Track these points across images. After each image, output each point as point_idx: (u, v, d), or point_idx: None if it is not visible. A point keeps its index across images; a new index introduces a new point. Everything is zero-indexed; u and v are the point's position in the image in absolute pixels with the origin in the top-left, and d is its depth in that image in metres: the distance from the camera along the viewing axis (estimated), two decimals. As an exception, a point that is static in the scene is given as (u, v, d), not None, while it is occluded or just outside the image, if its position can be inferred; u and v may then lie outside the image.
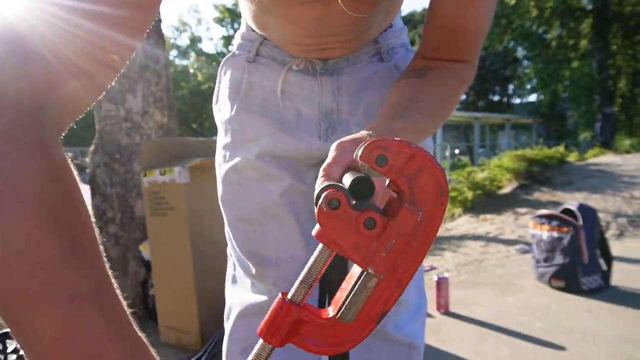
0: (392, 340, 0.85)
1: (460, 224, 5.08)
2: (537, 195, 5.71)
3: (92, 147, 2.85)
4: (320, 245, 0.38)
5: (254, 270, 0.79)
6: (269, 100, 0.79)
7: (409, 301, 0.89)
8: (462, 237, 4.38)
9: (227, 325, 0.87)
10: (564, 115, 24.74)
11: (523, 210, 5.10)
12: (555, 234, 2.68)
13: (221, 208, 0.86)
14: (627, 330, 2.08)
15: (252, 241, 0.80)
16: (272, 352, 0.39)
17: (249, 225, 0.80)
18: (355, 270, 0.39)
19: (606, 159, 7.71)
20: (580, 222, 2.62)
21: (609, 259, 2.69)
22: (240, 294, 0.85)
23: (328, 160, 0.47)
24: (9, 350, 1.10)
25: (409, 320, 0.89)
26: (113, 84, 0.44)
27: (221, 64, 0.86)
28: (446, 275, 2.43)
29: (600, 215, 4.52)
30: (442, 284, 2.37)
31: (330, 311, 0.39)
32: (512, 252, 3.67)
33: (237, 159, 0.79)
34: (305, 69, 0.76)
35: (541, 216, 2.81)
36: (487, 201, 5.64)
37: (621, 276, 2.74)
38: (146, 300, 2.62)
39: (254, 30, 0.79)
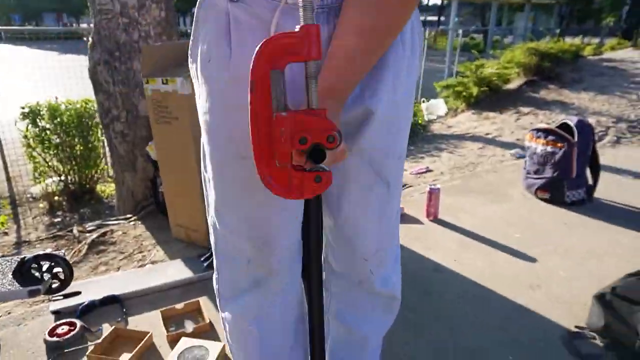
0: (378, 295, 0.99)
1: (461, 120, 5.12)
2: (543, 93, 5.63)
3: (89, 42, 2.78)
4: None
5: (256, 248, 0.87)
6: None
7: (394, 250, 1.01)
8: (462, 137, 4.46)
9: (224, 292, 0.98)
10: (592, -8, 22.84)
11: (526, 109, 5.09)
12: (549, 149, 2.75)
13: (211, 177, 0.86)
14: (595, 244, 2.28)
15: (257, 218, 0.84)
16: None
17: (253, 201, 0.82)
18: None
19: (623, 53, 7.39)
20: (576, 138, 2.67)
21: (596, 174, 2.80)
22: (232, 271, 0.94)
23: None
24: (43, 269, 1.26)
25: (392, 271, 1.02)
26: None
27: (196, 8, 0.79)
28: (438, 186, 2.57)
29: (602, 118, 4.55)
30: (433, 194, 2.53)
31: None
32: (507, 157, 3.78)
33: (236, 129, 0.76)
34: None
35: (538, 130, 2.85)
36: (491, 97, 5.59)
37: (605, 188, 2.89)
38: (156, 195, 2.80)
39: None
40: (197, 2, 0.78)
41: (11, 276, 1.22)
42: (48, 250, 1.22)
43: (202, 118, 0.83)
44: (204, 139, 0.85)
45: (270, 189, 0.63)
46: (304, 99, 0.62)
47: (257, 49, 0.58)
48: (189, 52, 0.82)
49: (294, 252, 0.92)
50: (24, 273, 1.22)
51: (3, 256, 2.74)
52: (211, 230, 0.94)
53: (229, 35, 0.72)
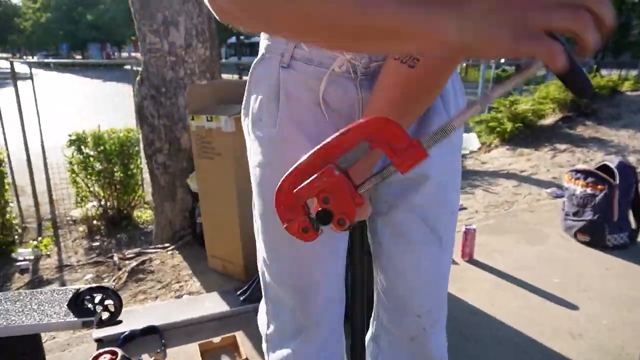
0: (429, 355, 0.98)
1: (495, 156, 5.07)
2: (580, 129, 5.53)
3: (138, 78, 2.94)
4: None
5: (299, 297, 0.90)
6: (308, 114, 0.78)
7: (442, 310, 0.99)
8: (496, 174, 4.41)
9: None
10: (629, 24, 22.52)
11: (562, 146, 5.01)
12: (589, 191, 2.70)
13: (260, 226, 0.90)
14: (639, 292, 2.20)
15: (301, 267, 0.87)
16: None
17: (297, 252, 0.85)
18: None
19: (663, 90, 7.22)
20: (617, 181, 2.62)
21: (639, 217, 2.72)
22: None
23: None
24: (96, 302, 1.33)
25: (441, 330, 1.00)
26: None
27: (251, 69, 0.85)
28: (474, 226, 2.55)
29: (643, 158, 4.41)
30: (468, 235, 2.51)
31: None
32: (544, 196, 3.72)
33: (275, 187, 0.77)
34: (347, 71, 0.74)
35: (577, 171, 2.80)
36: (526, 133, 5.53)
37: (649, 233, 2.80)
38: (194, 226, 2.88)
39: None
40: (253, 64, 0.84)
41: (66, 307, 1.28)
42: (106, 284, 1.29)
43: (252, 171, 0.88)
44: (253, 190, 0.90)
45: (285, 223, 0.63)
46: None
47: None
48: (242, 107, 0.88)
49: (334, 303, 0.94)
50: (78, 304, 1.29)
51: (44, 281, 2.86)
52: (261, 278, 0.98)
53: (278, 98, 0.78)
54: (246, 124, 0.87)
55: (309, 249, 0.83)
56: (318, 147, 0.57)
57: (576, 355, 1.75)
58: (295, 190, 0.59)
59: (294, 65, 0.76)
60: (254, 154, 0.85)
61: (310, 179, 0.57)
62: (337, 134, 0.55)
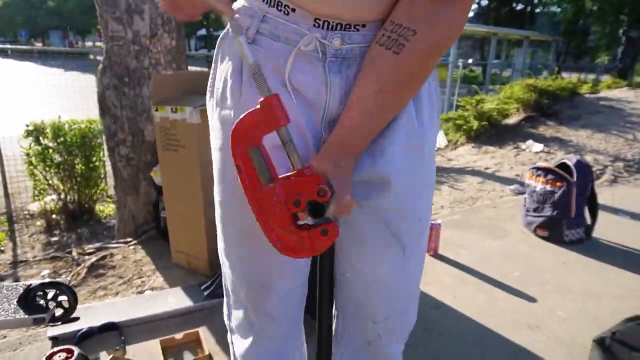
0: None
1: (461, 154, 5.18)
2: (542, 129, 5.72)
3: (100, 67, 2.83)
4: None
5: (253, 292, 0.86)
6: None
7: (404, 320, 0.95)
8: (461, 170, 4.50)
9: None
10: (587, 30, 23.47)
11: (525, 145, 5.16)
12: (548, 187, 2.79)
13: (219, 215, 0.86)
14: (593, 285, 2.29)
15: (258, 261, 0.83)
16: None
17: (256, 244, 0.80)
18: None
19: (619, 93, 7.56)
20: (575, 178, 2.72)
21: (594, 213, 2.84)
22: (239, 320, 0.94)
23: None
24: (49, 298, 1.26)
25: (398, 340, 0.97)
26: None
27: (217, 45, 0.80)
28: (439, 221, 2.59)
29: (599, 157, 4.62)
30: (433, 230, 2.55)
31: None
32: (507, 192, 3.82)
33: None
34: (315, 51, 0.70)
35: (538, 168, 2.89)
36: (491, 131, 5.67)
37: (604, 228, 2.92)
38: (158, 220, 2.81)
39: None
40: (218, 39, 0.80)
41: (16, 303, 1.22)
42: (60, 279, 1.22)
43: (213, 154, 0.83)
44: (214, 175, 0.84)
45: (286, 254, 0.65)
46: (288, 163, 0.64)
47: (230, 134, 0.62)
48: (208, 87, 0.83)
49: (293, 299, 0.91)
50: (29, 301, 1.22)
51: None
52: (222, 268, 0.95)
53: (241, 77, 0.74)
54: (211, 104, 0.82)
55: (267, 241, 0.82)
56: (247, 198, 0.64)
57: (534, 345, 1.81)
58: (280, 230, 0.64)
59: (259, 41, 0.71)
60: (215, 137, 0.81)
61: (275, 212, 0.63)
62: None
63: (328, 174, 0.65)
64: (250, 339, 0.92)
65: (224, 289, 0.97)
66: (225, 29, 0.77)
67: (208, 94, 0.83)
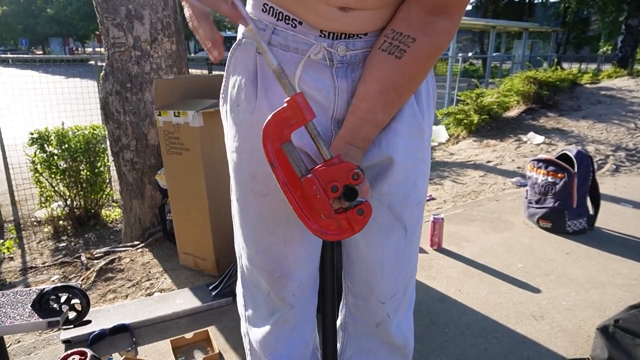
0: (393, 341, 1.02)
1: (463, 148, 5.19)
2: (542, 120, 5.72)
3: (102, 73, 2.87)
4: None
5: (273, 279, 0.92)
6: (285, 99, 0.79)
7: (409, 297, 1.03)
8: (463, 164, 4.52)
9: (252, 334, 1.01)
10: (588, 20, 23.35)
11: (526, 137, 5.17)
12: (549, 179, 2.81)
13: (236, 211, 0.91)
14: (597, 274, 2.31)
15: (275, 251, 0.89)
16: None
17: (272, 236, 0.87)
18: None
19: (620, 82, 7.53)
20: (576, 169, 2.73)
21: (597, 204, 2.86)
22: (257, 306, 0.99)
23: None
24: (62, 301, 1.30)
25: (406, 319, 1.04)
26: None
27: (229, 54, 0.86)
28: (442, 216, 2.61)
29: (601, 147, 4.62)
30: (437, 224, 2.57)
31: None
32: (509, 185, 3.84)
33: (259, 168, 0.81)
34: (323, 59, 0.76)
35: (539, 160, 2.91)
36: (491, 125, 5.68)
37: (606, 218, 2.94)
38: (164, 223, 2.85)
39: (264, 11, 0.77)
40: (231, 48, 0.85)
41: (30, 308, 1.25)
42: (72, 283, 1.26)
43: (230, 157, 0.89)
44: (231, 176, 0.91)
45: (327, 238, 0.70)
46: (319, 155, 0.69)
47: (261, 134, 0.67)
48: (221, 93, 0.89)
49: (309, 287, 0.96)
50: (42, 305, 1.26)
51: (7, 285, 2.77)
52: (238, 261, 0.99)
53: (256, 83, 0.79)
54: (224, 109, 0.87)
55: (282, 233, 0.87)
56: (284, 192, 0.68)
57: (539, 335, 1.83)
58: (323, 216, 0.68)
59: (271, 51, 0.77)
60: (231, 139, 0.86)
61: (316, 200, 0.67)
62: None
63: None
64: (267, 326, 0.97)
65: (240, 280, 1.02)
66: (238, 39, 0.83)
67: (221, 100, 0.89)
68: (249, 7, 0.81)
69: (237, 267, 1.01)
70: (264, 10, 0.77)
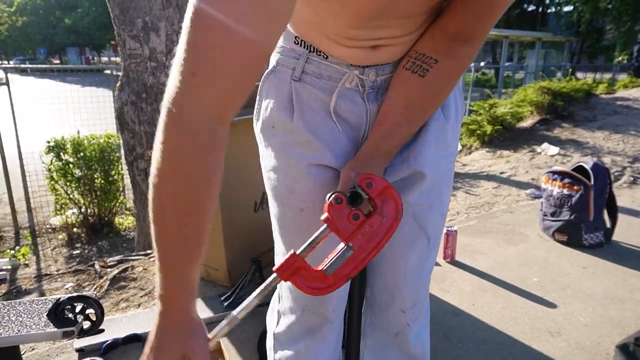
0: (411, 351, 1.02)
1: (475, 159, 5.15)
2: (557, 131, 5.66)
3: (118, 84, 2.92)
4: (324, 225, 0.67)
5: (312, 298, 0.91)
6: (322, 122, 0.83)
7: (425, 306, 1.04)
8: (476, 176, 4.48)
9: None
10: (602, 29, 23.17)
11: (540, 148, 5.12)
12: (565, 191, 2.77)
13: (277, 228, 0.93)
14: (615, 290, 2.26)
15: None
16: (277, 284, 0.67)
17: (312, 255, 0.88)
18: (340, 246, 0.69)
19: (636, 92, 7.44)
20: (592, 181, 2.69)
21: (614, 217, 2.80)
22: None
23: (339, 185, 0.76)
24: (77, 311, 1.31)
25: (424, 328, 1.05)
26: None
27: (262, 79, 0.89)
28: (455, 228, 2.59)
29: (617, 158, 4.55)
30: (450, 236, 2.54)
31: (320, 268, 0.68)
32: (523, 197, 3.79)
33: (296, 184, 0.84)
34: (355, 85, 0.81)
35: (554, 172, 2.87)
36: (505, 135, 5.64)
37: (624, 231, 2.88)
38: (176, 232, 2.86)
39: (296, 43, 0.82)
40: (263, 75, 0.89)
41: (46, 317, 1.26)
42: (87, 293, 1.27)
43: (266, 175, 0.91)
44: (268, 194, 0.93)
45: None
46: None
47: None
48: (255, 111, 0.93)
49: (343, 303, 0.98)
50: (58, 314, 1.27)
51: (22, 292, 2.80)
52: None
53: (291, 106, 0.83)
54: (258, 127, 0.91)
55: (323, 246, 0.87)
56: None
57: (555, 352, 1.79)
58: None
59: (305, 79, 0.82)
60: (267, 158, 0.90)
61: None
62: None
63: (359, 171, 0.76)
64: (302, 342, 0.98)
65: (276, 296, 1.03)
66: (272, 67, 0.87)
67: (254, 117, 0.93)
68: (280, 41, 0.85)
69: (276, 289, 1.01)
70: (296, 42, 0.82)
